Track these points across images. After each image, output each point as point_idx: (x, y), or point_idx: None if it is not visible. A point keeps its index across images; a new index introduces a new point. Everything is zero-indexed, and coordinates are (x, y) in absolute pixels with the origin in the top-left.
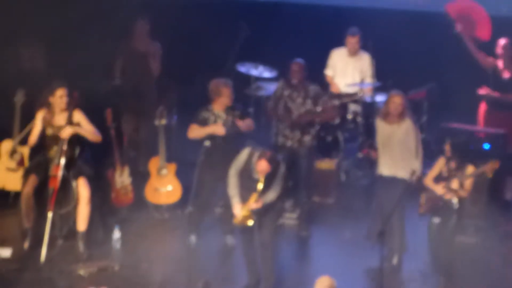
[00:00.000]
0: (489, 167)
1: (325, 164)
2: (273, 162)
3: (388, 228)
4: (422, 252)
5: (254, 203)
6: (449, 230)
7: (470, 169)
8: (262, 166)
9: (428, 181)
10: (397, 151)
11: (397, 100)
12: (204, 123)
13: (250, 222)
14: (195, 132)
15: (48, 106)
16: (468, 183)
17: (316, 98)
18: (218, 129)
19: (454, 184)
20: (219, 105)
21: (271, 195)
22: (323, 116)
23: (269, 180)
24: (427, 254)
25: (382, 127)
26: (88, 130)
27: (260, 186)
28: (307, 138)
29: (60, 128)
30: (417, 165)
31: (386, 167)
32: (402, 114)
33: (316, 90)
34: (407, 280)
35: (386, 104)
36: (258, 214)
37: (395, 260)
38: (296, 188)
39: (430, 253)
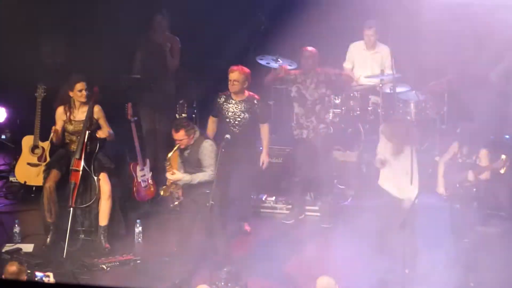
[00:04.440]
0: (501, 164)
1: (346, 156)
2: (178, 127)
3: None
4: (443, 242)
5: (169, 174)
6: (470, 217)
7: (483, 153)
8: (173, 136)
9: (440, 165)
10: (399, 173)
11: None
12: (217, 111)
13: (165, 192)
14: (208, 126)
15: (69, 101)
16: (486, 174)
17: (327, 79)
18: None
19: (470, 176)
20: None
21: (200, 176)
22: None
23: (193, 155)
24: (448, 244)
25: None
26: (106, 133)
27: (169, 155)
28: (322, 126)
29: (80, 123)
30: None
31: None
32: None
33: (325, 71)
34: (429, 271)
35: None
36: (189, 197)
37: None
38: (316, 180)
39: (452, 240)
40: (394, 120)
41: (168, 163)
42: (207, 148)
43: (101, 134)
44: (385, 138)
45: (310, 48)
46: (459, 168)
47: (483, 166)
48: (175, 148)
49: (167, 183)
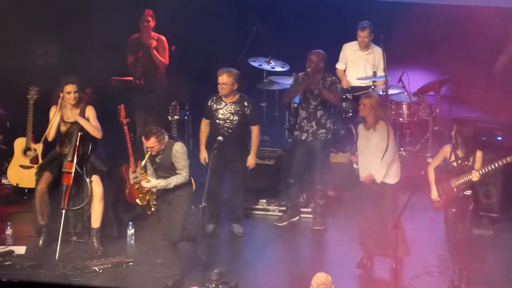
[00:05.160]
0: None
1: (339, 158)
2: (148, 134)
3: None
4: (437, 245)
5: (144, 182)
6: (468, 220)
7: (479, 154)
8: (144, 143)
9: (430, 172)
10: (373, 156)
11: (362, 101)
12: (209, 113)
13: (142, 201)
14: (201, 130)
15: (61, 102)
16: (475, 177)
17: (330, 87)
18: (200, 157)
19: (474, 176)
20: None
21: (175, 180)
22: (328, 96)
23: (165, 160)
24: (442, 247)
25: (361, 133)
26: (91, 126)
27: (143, 163)
28: (322, 131)
29: (72, 124)
30: (375, 168)
31: (363, 173)
32: (372, 118)
33: (332, 80)
34: (423, 273)
35: None
36: (165, 201)
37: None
38: (310, 182)
39: (448, 245)
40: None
41: (142, 172)
42: (179, 151)
43: (93, 132)
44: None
45: (315, 52)
46: (456, 172)
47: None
48: (147, 155)
49: (143, 191)
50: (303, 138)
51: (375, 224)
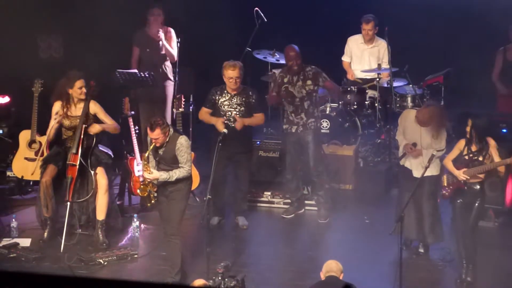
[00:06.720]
0: None
1: (343, 150)
2: (153, 126)
3: (417, 217)
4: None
5: (146, 173)
6: (473, 214)
7: (492, 142)
8: (149, 135)
9: (448, 162)
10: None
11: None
12: (212, 104)
13: (143, 192)
14: (203, 116)
15: (66, 97)
16: (502, 168)
17: (315, 77)
18: (218, 126)
19: (480, 172)
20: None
21: (178, 173)
22: (329, 94)
23: (169, 152)
24: (448, 241)
25: (411, 120)
26: (111, 126)
27: (146, 154)
28: (311, 120)
29: (77, 118)
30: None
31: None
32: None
33: (313, 70)
34: (428, 267)
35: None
36: (163, 194)
37: (421, 249)
38: (307, 174)
39: (455, 237)
40: (429, 104)
41: (145, 163)
42: (183, 144)
43: (114, 132)
44: (415, 124)
45: (293, 46)
46: (466, 165)
47: (495, 162)
48: (151, 147)
49: (145, 183)
50: (293, 130)
51: (415, 211)
